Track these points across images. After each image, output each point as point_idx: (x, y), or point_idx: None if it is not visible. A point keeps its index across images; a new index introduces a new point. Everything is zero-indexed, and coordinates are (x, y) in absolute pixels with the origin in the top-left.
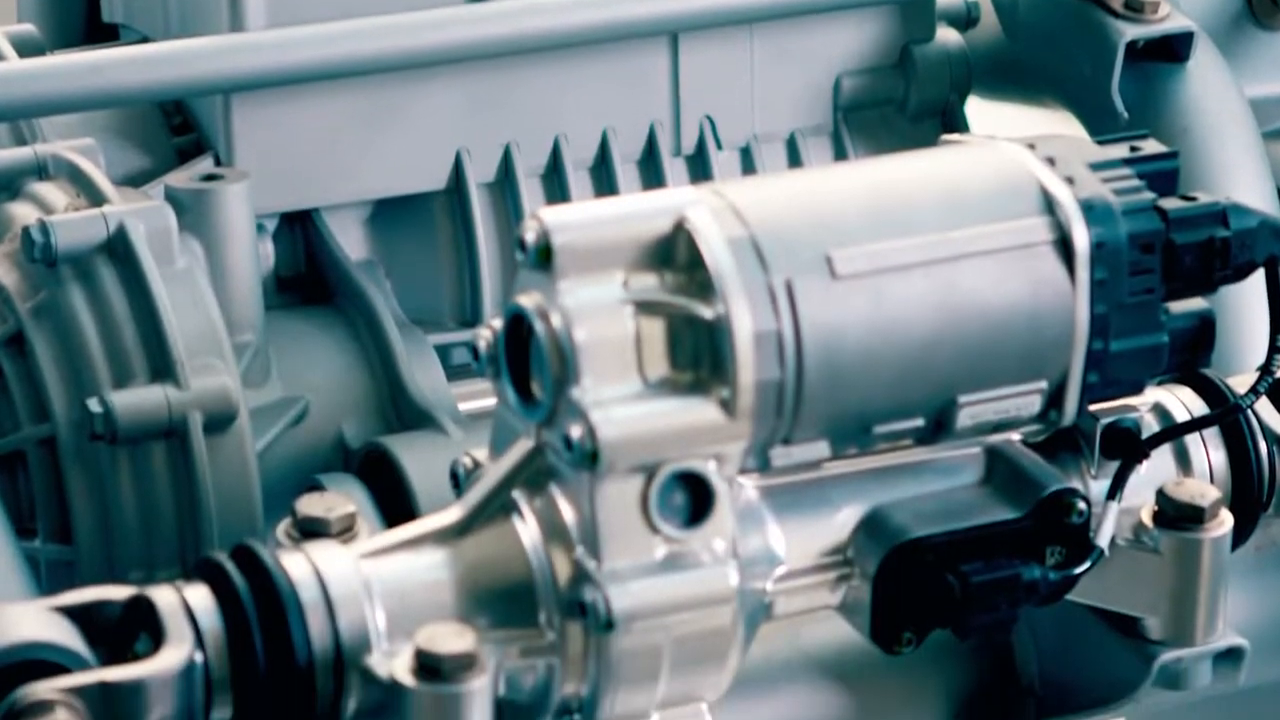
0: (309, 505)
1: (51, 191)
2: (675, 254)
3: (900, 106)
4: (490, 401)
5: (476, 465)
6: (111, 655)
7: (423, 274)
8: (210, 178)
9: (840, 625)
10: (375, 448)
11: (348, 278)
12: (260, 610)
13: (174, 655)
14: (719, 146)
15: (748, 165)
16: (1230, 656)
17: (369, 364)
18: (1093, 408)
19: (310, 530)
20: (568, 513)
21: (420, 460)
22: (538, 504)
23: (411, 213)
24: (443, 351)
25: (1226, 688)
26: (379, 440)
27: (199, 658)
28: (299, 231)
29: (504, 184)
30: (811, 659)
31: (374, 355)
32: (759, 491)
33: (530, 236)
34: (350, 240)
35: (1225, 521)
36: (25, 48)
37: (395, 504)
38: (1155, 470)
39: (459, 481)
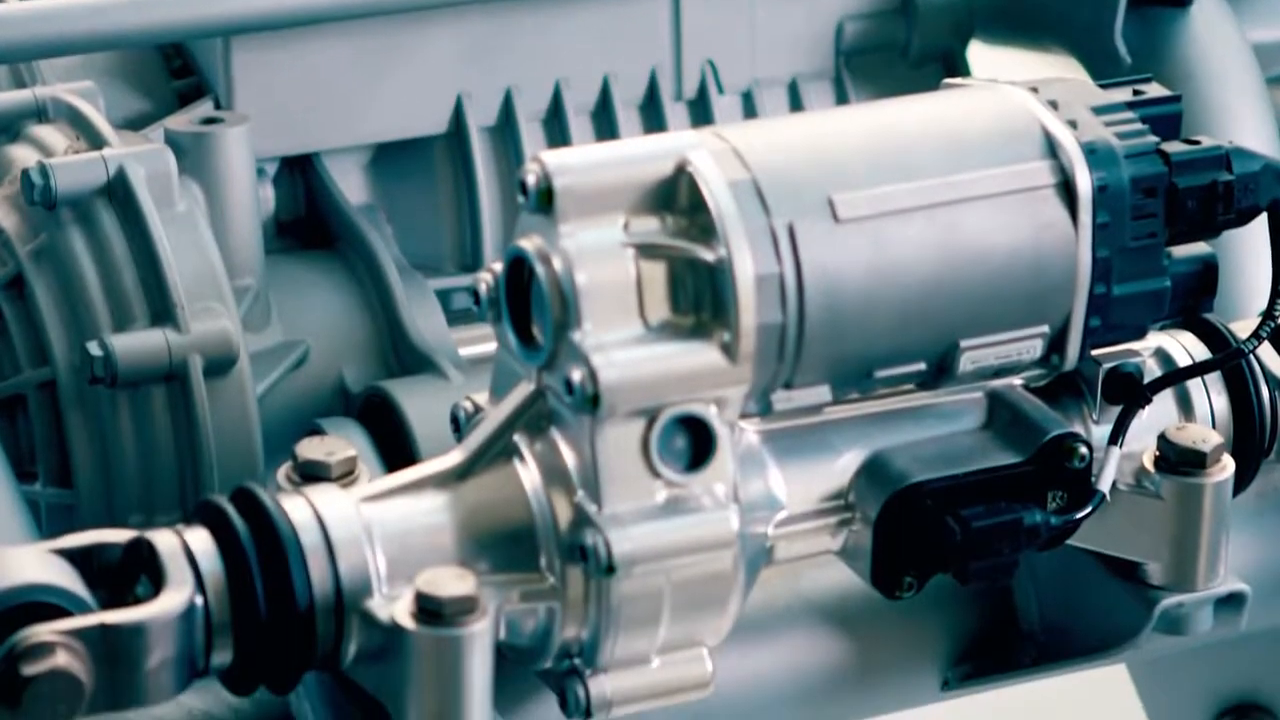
0: (309, 449)
1: (51, 134)
2: (677, 197)
3: (902, 51)
4: (490, 346)
5: (477, 409)
6: (112, 598)
7: (423, 219)
8: (210, 121)
9: (841, 570)
10: (376, 392)
11: (348, 222)
12: (260, 554)
13: (174, 598)
14: (720, 91)
15: (749, 110)
16: (1232, 602)
17: (369, 308)
18: (1095, 352)
19: (310, 474)
20: (568, 456)
21: (421, 404)
22: (538, 448)
23: (412, 157)
24: (443, 296)
25: (1228, 633)
26: (379, 384)
27: (199, 601)
28: (299, 176)
29: (505, 128)
30: (812, 604)
31: (374, 300)
32: (760, 436)
33: (531, 179)
34: (350, 185)
35: (1227, 466)
36: None
37: (395, 448)
38: (1157, 415)
39: (459, 425)
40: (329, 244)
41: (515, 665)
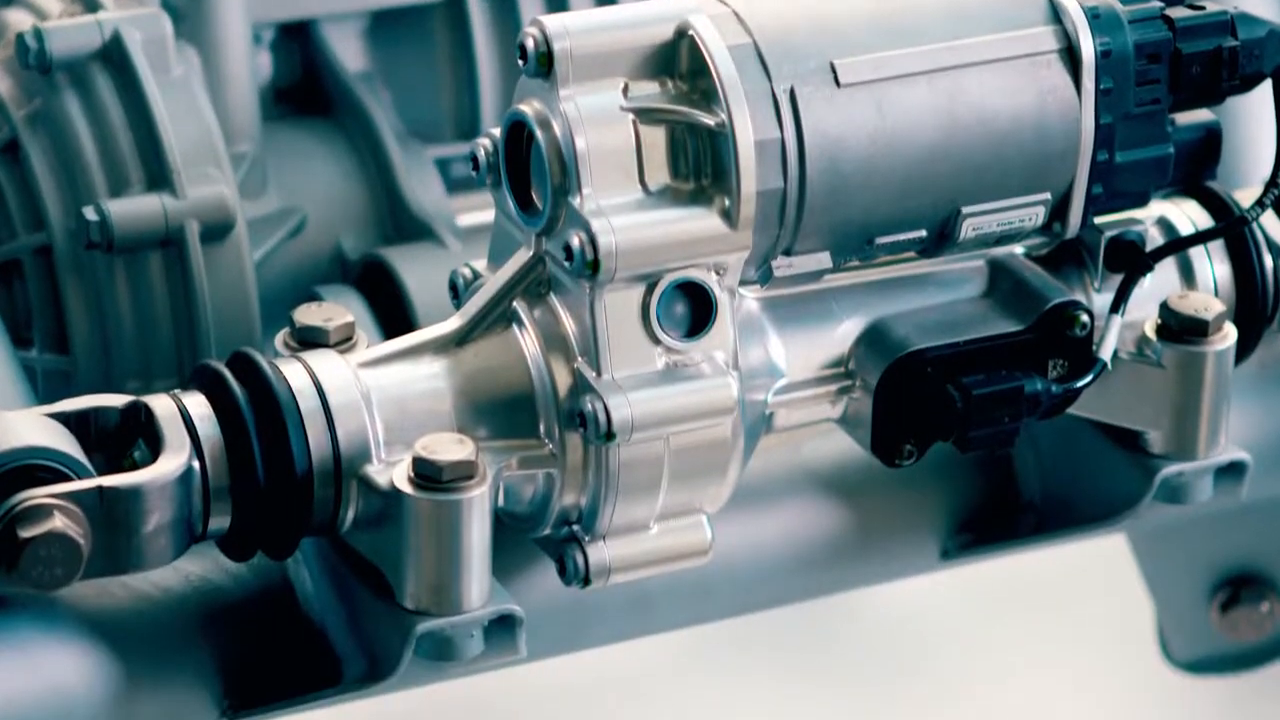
0: (307, 315)
1: None
2: (677, 62)
3: None
4: (489, 215)
5: (476, 276)
6: (109, 463)
7: (422, 86)
8: None
9: (841, 439)
10: (373, 259)
11: (346, 90)
12: (258, 418)
13: (171, 462)
14: None
15: None
16: (1232, 471)
17: (367, 176)
18: (1097, 220)
19: (308, 340)
20: (568, 323)
21: (419, 271)
22: (538, 314)
23: (410, 24)
24: (442, 165)
25: (1228, 503)
26: (377, 251)
27: (196, 465)
28: (296, 43)
29: None
30: (812, 472)
31: (372, 168)
32: (760, 304)
33: (530, 43)
34: (348, 52)
35: (1229, 335)
36: None
37: (393, 315)
38: (1159, 284)
39: (458, 292)
40: (327, 112)
41: (514, 532)
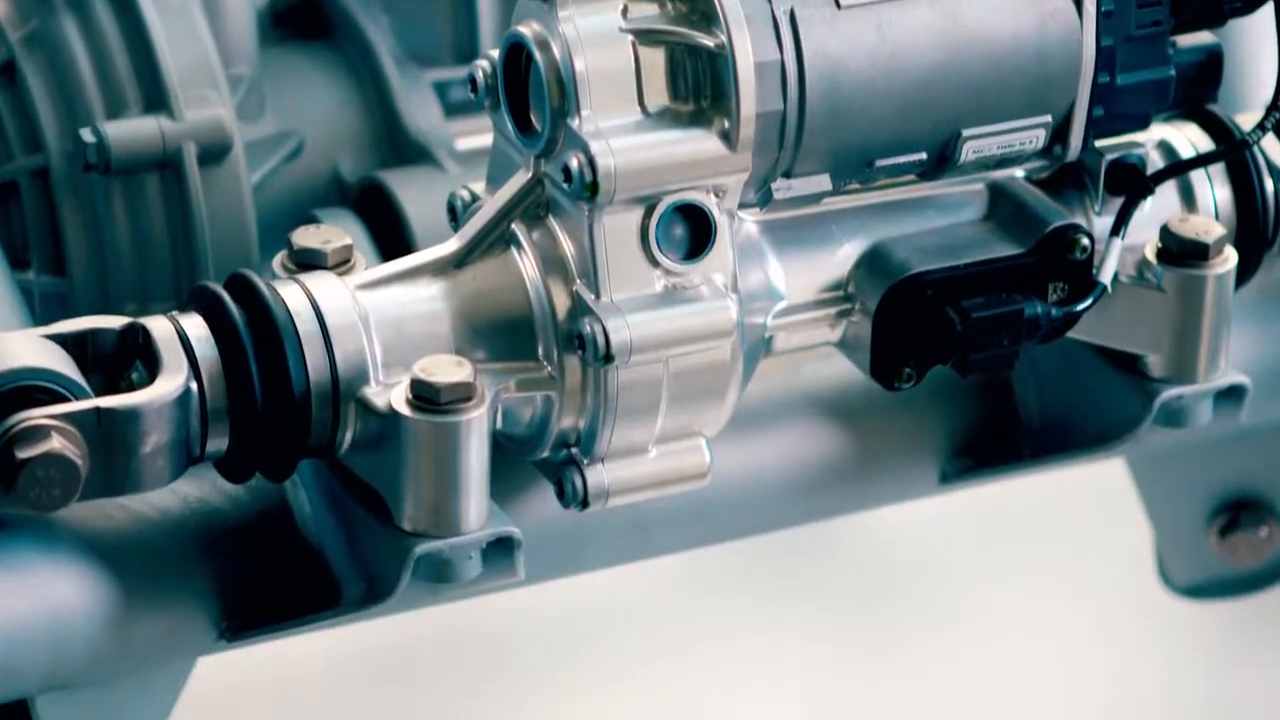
0: (305, 237)
1: None
2: None
3: None
4: (487, 139)
5: (474, 198)
6: (106, 385)
7: (420, 9)
8: None
9: (840, 363)
10: (371, 182)
11: (344, 13)
12: (256, 340)
13: (169, 384)
14: None
15: None
16: (1231, 395)
17: (365, 99)
18: (1098, 143)
19: (306, 262)
20: (567, 245)
21: (417, 194)
22: (536, 236)
23: None
24: (440, 89)
25: (1227, 427)
26: (375, 174)
27: (194, 387)
28: None
29: None
30: (811, 396)
31: (370, 91)
32: (759, 226)
33: None
34: None
35: (1229, 258)
36: None
37: (391, 239)
38: (1159, 207)
39: (456, 215)
40: (325, 35)
41: (512, 456)
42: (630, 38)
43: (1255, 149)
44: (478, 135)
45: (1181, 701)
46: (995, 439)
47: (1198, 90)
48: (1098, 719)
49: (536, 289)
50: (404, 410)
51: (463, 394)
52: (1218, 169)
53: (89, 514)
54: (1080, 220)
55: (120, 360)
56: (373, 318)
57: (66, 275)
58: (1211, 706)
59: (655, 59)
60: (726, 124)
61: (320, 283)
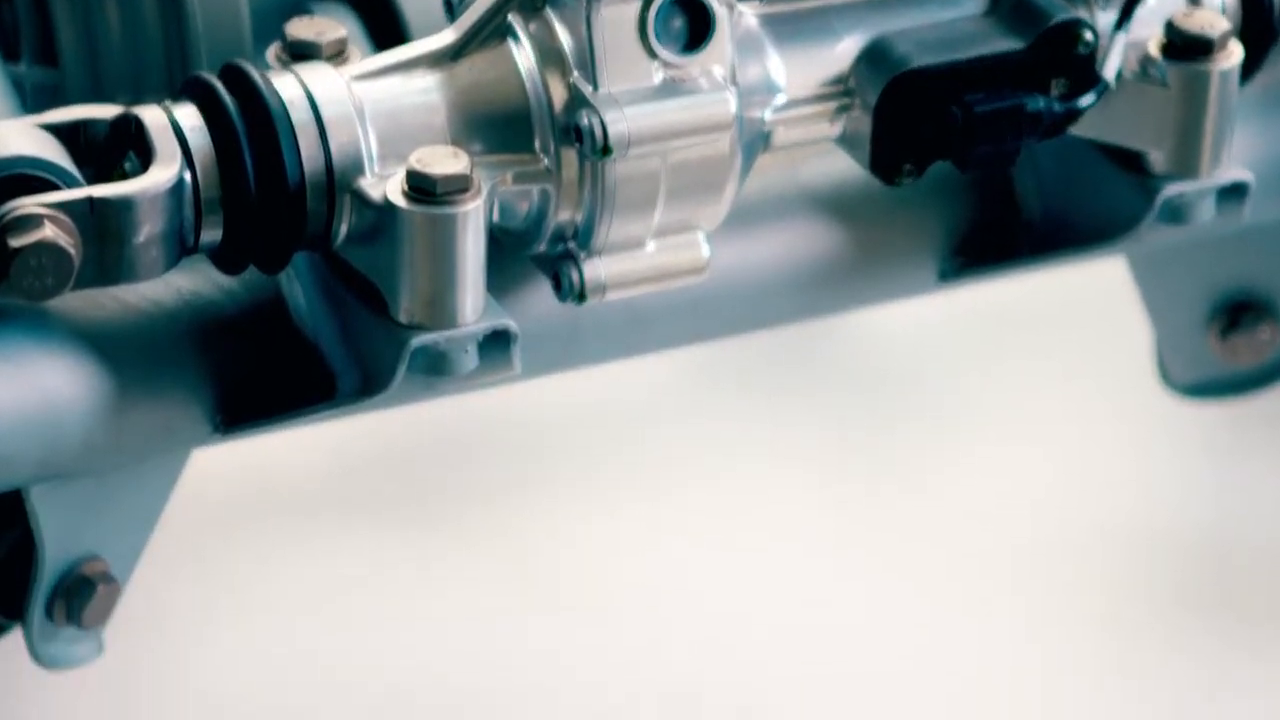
0: (299, 29)
1: None
2: None
3: None
4: None
5: None
6: (99, 176)
7: None
8: None
9: (840, 160)
10: None
11: None
12: (250, 130)
13: (162, 173)
14: None
15: None
16: (1234, 192)
17: None
18: None
19: (300, 54)
20: (564, 37)
21: None
22: (534, 28)
23: None
24: None
25: (1230, 225)
26: None
27: (188, 176)
28: None
29: None
30: (810, 192)
31: None
32: (759, 19)
33: None
34: None
35: (1234, 53)
36: None
37: (386, 31)
38: (1164, 2)
39: (452, 7)
40: None
41: (509, 251)
42: None
43: None
44: None
45: (1180, 502)
46: (995, 237)
47: None
48: (1096, 512)
49: (533, 81)
50: (400, 202)
51: (459, 185)
52: None
53: (82, 304)
54: (1083, 14)
55: (113, 151)
56: (368, 109)
57: (58, 66)
58: (1212, 510)
59: None
60: None
61: (315, 73)
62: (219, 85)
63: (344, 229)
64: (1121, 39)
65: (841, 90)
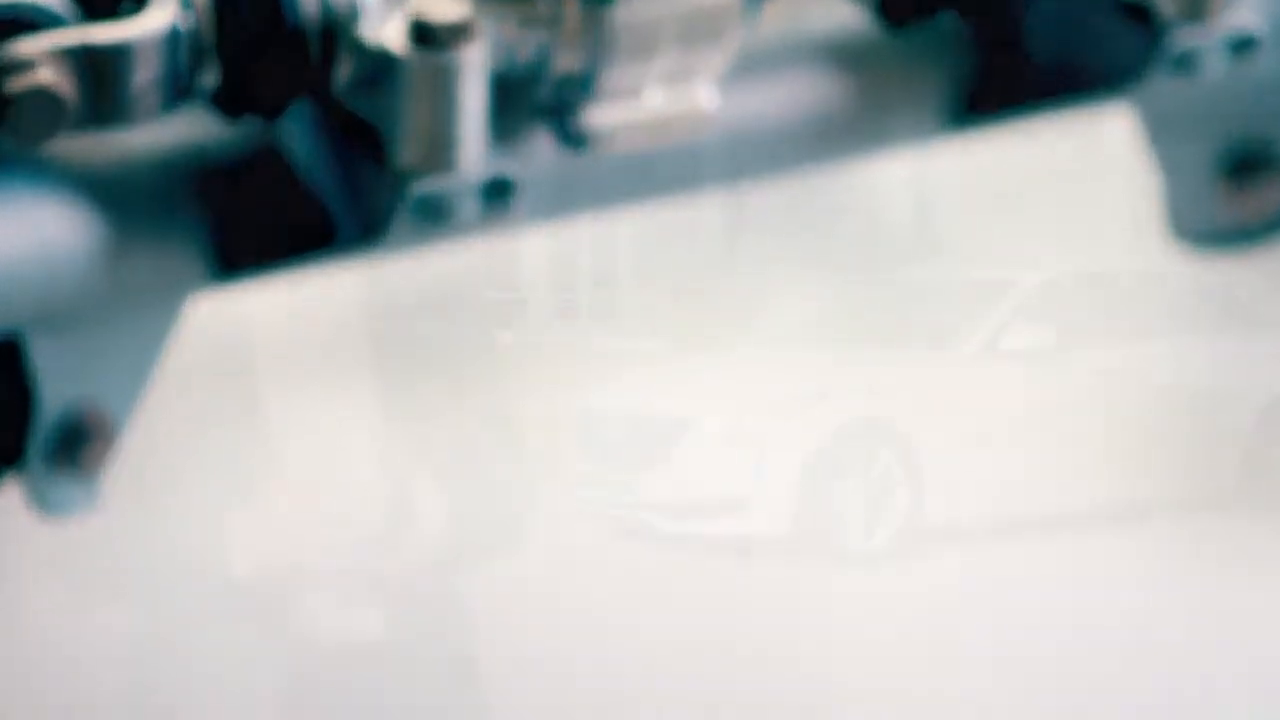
0: None
1: None
2: None
3: None
4: None
5: None
6: (96, 17)
7: None
8: None
9: (845, 9)
10: None
11: None
12: None
13: (159, 16)
14: None
15: None
16: (1245, 44)
17: None
18: None
19: None
20: None
21: None
22: None
23: None
24: None
25: (1239, 76)
26: None
27: (185, 19)
28: None
29: None
30: (815, 41)
31: None
32: None
33: None
34: None
35: None
36: None
37: None
38: None
39: None
40: None
41: (510, 98)
42: None
43: None
44: None
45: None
46: (1001, 86)
47: None
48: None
49: None
50: (400, 47)
51: (460, 31)
52: None
53: (78, 149)
54: None
55: None
56: None
57: None
58: (1214, 361)
59: None
60: None
61: None
62: None
63: (343, 75)
64: None
65: None
